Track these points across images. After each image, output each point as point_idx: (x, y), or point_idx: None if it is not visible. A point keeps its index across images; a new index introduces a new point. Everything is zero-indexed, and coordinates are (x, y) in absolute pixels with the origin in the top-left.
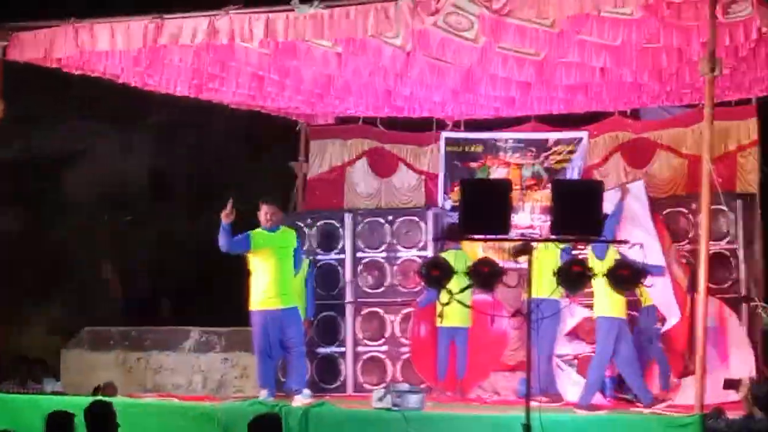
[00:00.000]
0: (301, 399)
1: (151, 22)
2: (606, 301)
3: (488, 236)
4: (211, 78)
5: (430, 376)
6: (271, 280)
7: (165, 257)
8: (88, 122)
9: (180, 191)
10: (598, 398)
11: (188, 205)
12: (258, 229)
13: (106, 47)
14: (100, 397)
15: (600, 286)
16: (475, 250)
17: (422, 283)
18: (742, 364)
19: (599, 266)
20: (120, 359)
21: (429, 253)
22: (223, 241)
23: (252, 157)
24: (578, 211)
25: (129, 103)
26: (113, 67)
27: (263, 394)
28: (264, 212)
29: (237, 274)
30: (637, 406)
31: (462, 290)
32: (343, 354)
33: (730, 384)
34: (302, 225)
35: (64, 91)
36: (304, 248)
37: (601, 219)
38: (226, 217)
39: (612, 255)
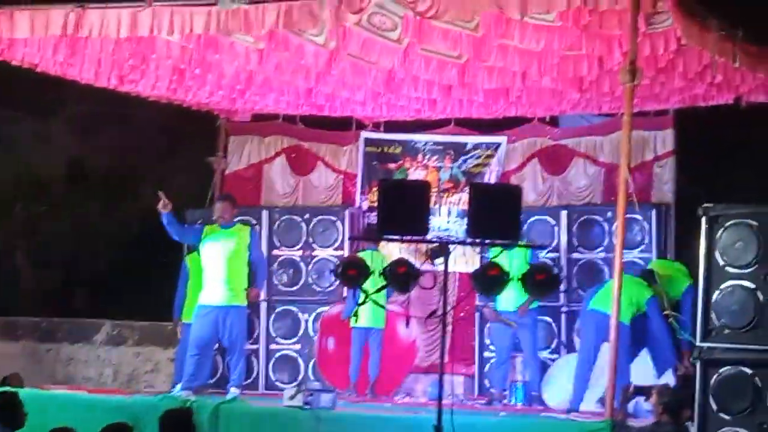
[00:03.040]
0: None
1: (72, 11)
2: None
3: (405, 237)
4: (132, 69)
5: (340, 381)
6: (221, 276)
7: (80, 248)
8: (4, 110)
9: (97, 182)
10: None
11: (105, 197)
12: (213, 225)
13: (25, 34)
14: (6, 388)
15: None
16: (391, 251)
17: (337, 283)
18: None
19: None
20: (29, 350)
21: (345, 252)
22: (172, 230)
23: (171, 150)
24: (496, 215)
25: (47, 92)
26: (32, 55)
27: (186, 393)
28: (216, 208)
29: (153, 267)
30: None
31: (377, 290)
32: (255, 351)
33: (640, 391)
34: None
35: None
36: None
37: (518, 223)
38: (163, 208)
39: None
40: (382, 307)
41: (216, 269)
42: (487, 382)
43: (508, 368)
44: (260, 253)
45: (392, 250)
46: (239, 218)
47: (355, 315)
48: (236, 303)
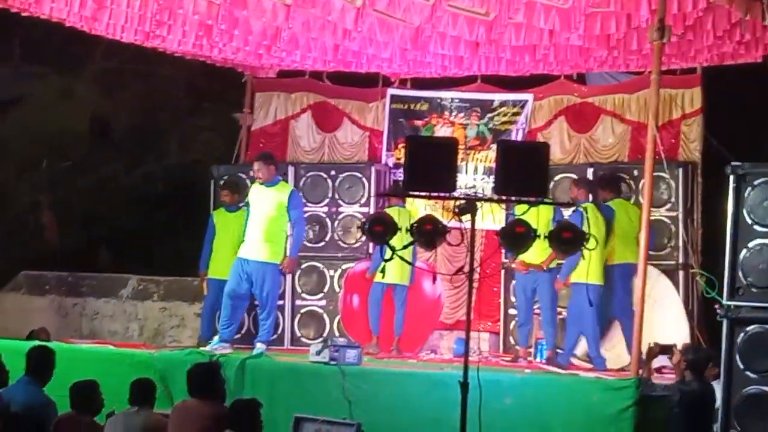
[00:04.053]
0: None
1: None
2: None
3: (432, 194)
4: (158, 25)
5: (364, 337)
6: (258, 232)
7: (104, 204)
8: (30, 66)
9: (122, 139)
10: None
11: (130, 153)
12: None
13: None
14: (39, 342)
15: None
16: (417, 208)
17: (363, 240)
18: (677, 330)
19: None
20: (56, 304)
21: (371, 209)
22: None
23: (196, 106)
24: (523, 172)
25: (73, 48)
26: (59, 10)
27: (223, 345)
28: (254, 168)
29: (178, 222)
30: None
31: (404, 247)
32: (281, 307)
33: (663, 349)
34: (244, 177)
35: (8, 34)
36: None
37: (545, 180)
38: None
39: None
40: (410, 263)
41: (255, 225)
42: (512, 340)
43: (532, 326)
44: (299, 213)
45: (418, 207)
46: None
47: (382, 271)
48: (272, 260)
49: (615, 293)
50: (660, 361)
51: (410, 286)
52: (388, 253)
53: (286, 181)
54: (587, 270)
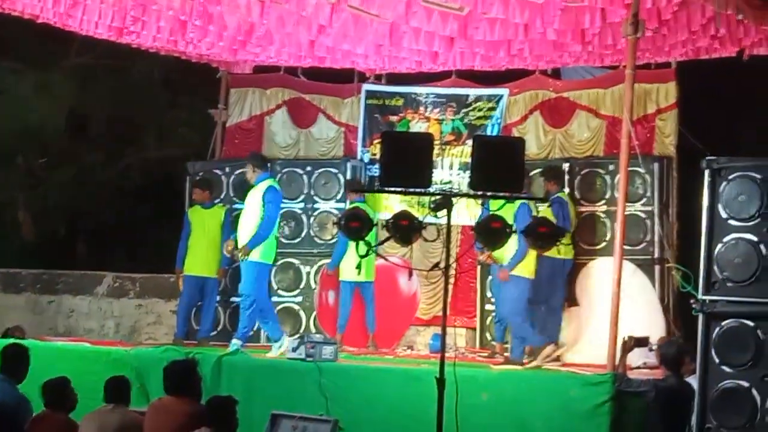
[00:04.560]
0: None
1: None
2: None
3: (407, 190)
4: (133, 21)
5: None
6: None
7: (81, 200)
8: (5, 62)
9: (98, 134)
10: None
11: (106, 148)
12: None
13: None
14: (14, 339)
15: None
16: (379, 203)
17: (339, 236)
18: (653, 325)
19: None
20: (31, 302)
21: (346, 205)
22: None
23: (172, 102)
24: (499, 167)
25: (48, 44)
26: (32, 6)
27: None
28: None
29: (154, 219)
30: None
31: (380, 243)
32: None
33: (638, 342)
34: (220, 173)
35: None
36: (222, 196)
37: (521, 175)
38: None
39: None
40: (386, 259)
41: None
42: (488, 335)
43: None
44: (269, 212)
45: (380, 202)
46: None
47: (358, 267)
48: (255, 259)
49: (542, 286)
50: (639, 356)
51: (376, 282)
52: (362, 250)
53: (273, 178)
54: (526, 263)
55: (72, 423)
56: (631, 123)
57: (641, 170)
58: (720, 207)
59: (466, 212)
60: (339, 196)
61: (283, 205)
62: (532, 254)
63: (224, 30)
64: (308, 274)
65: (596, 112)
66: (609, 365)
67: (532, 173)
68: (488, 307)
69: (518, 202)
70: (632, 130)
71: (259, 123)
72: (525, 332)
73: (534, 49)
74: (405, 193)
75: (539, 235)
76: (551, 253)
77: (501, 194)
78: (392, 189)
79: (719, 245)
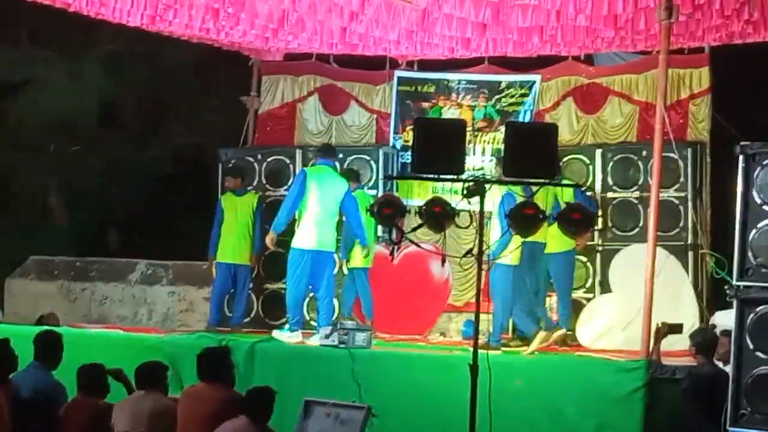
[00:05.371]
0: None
1: None
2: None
3: (440, 176)
4: (165, 9)
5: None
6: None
7: (113, 188)
8: (37, 50)
9: (129, 122)
10: None
11: (138, 136)
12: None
13: None
14: (49, 327)
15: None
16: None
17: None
18: (687, 311)
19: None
20: (64, 289)
21: (379, 191)
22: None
23: (204, 90)
24: (532, 154)
25: (79, 32)
26: None
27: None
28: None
29: (186, 206)
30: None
31: (413, 230)
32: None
33: (671, 329)
34: (252, 160)
35: (14, 19)
36: (254, 183)
37: (554, 161)
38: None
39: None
40: (418, 245)
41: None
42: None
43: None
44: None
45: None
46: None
47: (391, 254)
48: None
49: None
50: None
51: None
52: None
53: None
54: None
55: (106, 408)
56: (665, 108)
57: (674, 156)
58: (754, 193)
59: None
60: (371, 183)
61: None
62: (518, 241)
63: (256, 17)
64: (341, 260)
65: (629, 97)
66: (643, 352)
67: (564, 159)
68: None
69: (503, 190)
70: (666, 116)
71: (292, 110)
72: (517, 321)
73: (566, 34)
74: (438, 180)
75: (572, 221)
76: (533, 237)
77: (534, 181)
78: (425, 176)
79: (753, 231)
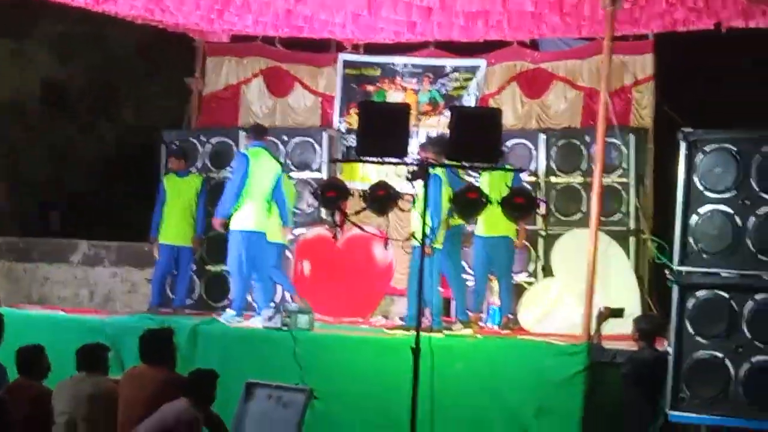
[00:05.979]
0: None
1: None
2: None
3: (384, 159)
4: None
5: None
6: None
7: (56, 169)
8: None
9: (73, 103)
10: None
11: (82, 117)
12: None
13: None
14: None
15: None
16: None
17: (316, 206)
18: (628, 296)
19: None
20: (5, 270)
21: (323, 174)
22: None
23: (148, 71)
24: (476, 138)
25: (22, 12)
26: None
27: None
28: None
29: (130, 188)
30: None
31: (357, 213)
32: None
33: (613, 313)
34: (196, 142)
35: None
36: (198, 165)
37: (498, 146)
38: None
39: None
40: (362, 229)
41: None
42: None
43: (485, 291)
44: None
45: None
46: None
47: (334, 237)
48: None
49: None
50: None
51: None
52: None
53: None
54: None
55: (45, 390)
56: (609, 95)
57: (617, 142)
58: (695, 178)
59: None
60: (315, 166)
61: None
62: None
63: None
64: None
65: (573, 83)
66: (584, 336)
67: (509, 143)
68: (464, 276)
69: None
70: (609, 102)
71: (236, 92)
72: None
73: (512, 20)
74: (381, 163)
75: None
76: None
77: (477, 165)
78: (369, 159)
79: (695, 217)
